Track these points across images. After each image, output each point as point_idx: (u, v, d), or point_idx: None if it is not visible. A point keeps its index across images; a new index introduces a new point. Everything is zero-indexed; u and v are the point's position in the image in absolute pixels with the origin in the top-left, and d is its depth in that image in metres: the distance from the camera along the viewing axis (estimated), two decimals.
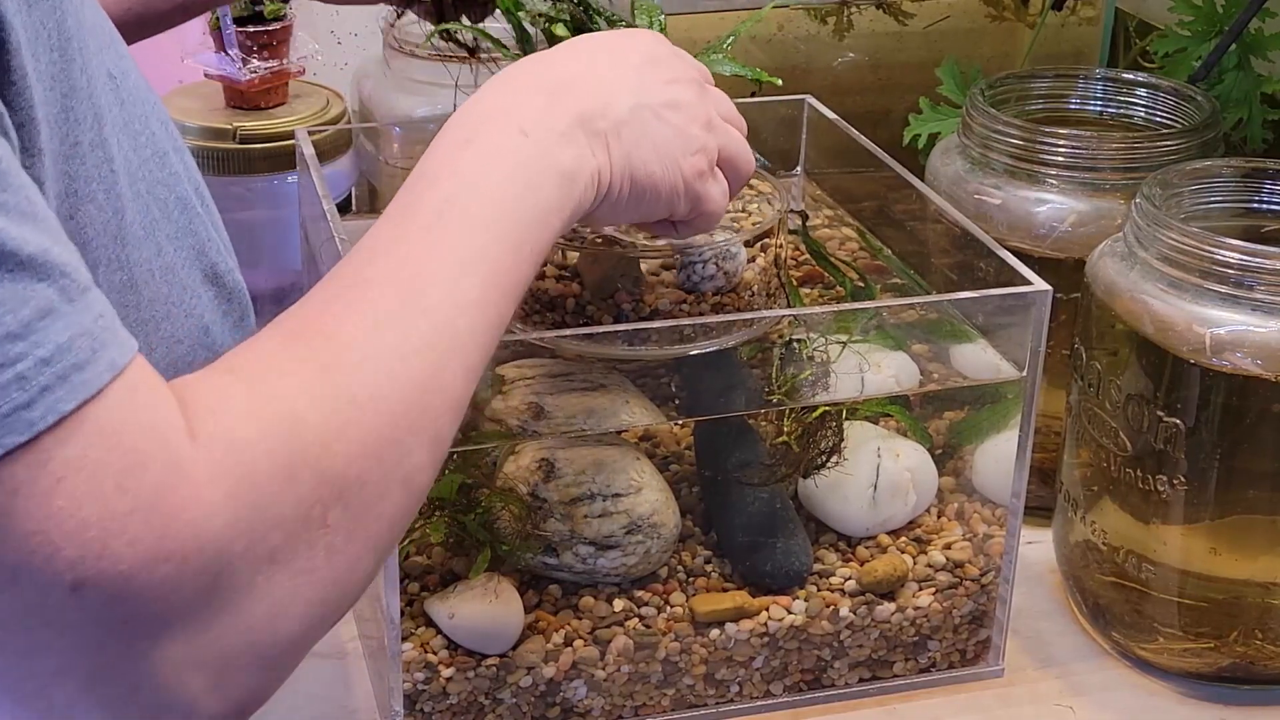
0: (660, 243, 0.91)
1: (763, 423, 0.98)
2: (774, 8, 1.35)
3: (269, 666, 0.58)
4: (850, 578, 0.98)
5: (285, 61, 1.32)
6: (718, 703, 0.97)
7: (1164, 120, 1.15)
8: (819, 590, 0.97)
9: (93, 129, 0.62)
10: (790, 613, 0.97)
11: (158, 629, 0.54)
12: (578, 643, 0.94)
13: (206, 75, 1.34)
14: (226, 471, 0.55)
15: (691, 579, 0.97)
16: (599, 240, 0.92)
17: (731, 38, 1.00)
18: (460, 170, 0.71)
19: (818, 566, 0.98)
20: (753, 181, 1.01)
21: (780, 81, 0.99)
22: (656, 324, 0.90)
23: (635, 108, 0.78)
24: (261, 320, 0.76)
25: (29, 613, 0.52)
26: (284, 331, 0.63)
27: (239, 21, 1.31)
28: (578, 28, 0.93)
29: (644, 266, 0.91)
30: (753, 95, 1.29)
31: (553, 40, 0.93)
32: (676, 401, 0.97)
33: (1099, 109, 1.18)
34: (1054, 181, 1.08)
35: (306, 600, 0.58)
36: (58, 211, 0.60)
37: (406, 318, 0.64)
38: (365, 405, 0.60)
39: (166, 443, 0.54)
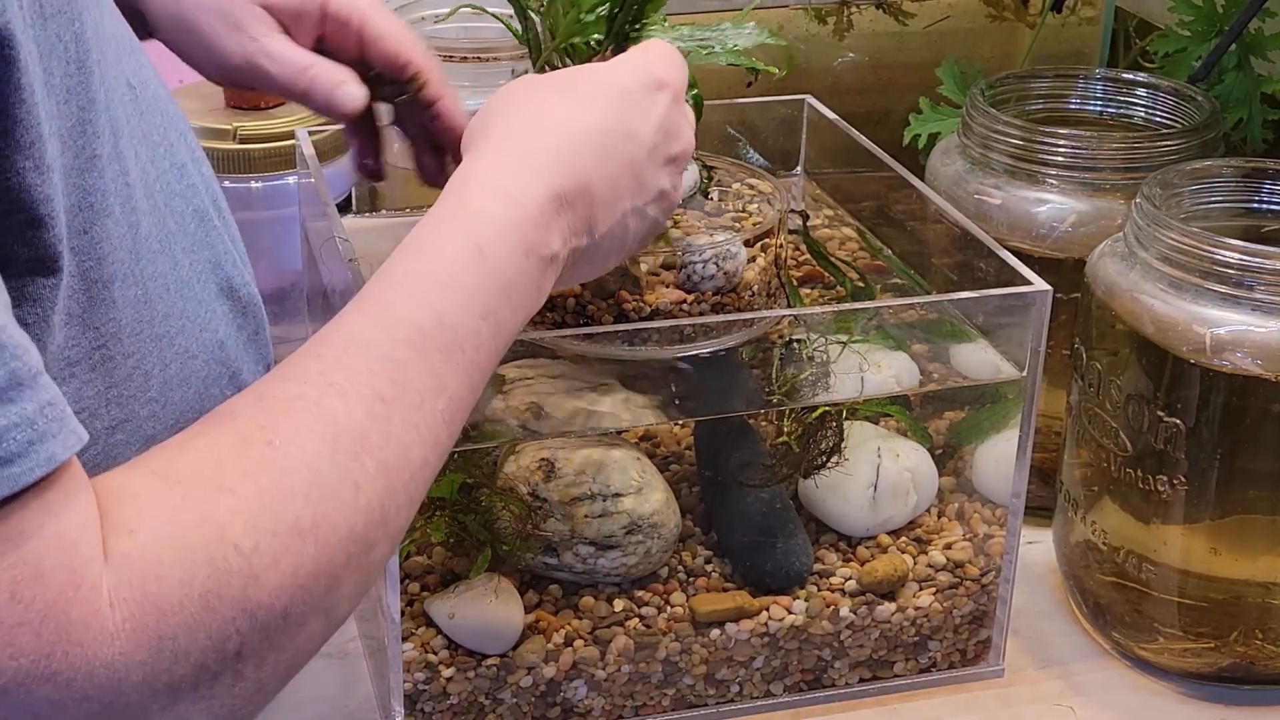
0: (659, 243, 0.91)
1: (763, 423, 0.98)
2: (774, 8, 1.35)
3: None
4: (850, 578, 0.98)
5: None
6: (718, 703, 0.97)
7: (1164, 120, 1.15)
8: (819, 590, 0.97)
9: (110, 141, 0.61)
10: (790, 613, 0.97)
11: None
12: (578, 643, 0.94)
13: None
14: (134, 596, 0.52)
15: (692, 579, 0.97)
16: None
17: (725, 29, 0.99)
18: (459, 285, 0.67)
19: (818, 566, 0.98)
20: (753, 181, 1.02)
21: (777, 71, 0.99)
22: (656, 324, 0.90)
23: (625, 215, 0.76)
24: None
25: None
26: (236, 434, 0.58)
27: None
28: None
29: (644, 266, 0.91)
30: (749, 85, 1.29)
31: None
32: (676, 401, 0.97)
33: (1099, 109, 1.18)
34: (1054, 181, 1.08)
35: None
36: (71, 226, 0.58)
37: (368, 441, 0.60)
38: (307, 534, 0.57)
39: (74, 556, 0.51)
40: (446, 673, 0.92)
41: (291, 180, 1.23)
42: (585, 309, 0.91)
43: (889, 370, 0.96)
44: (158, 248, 0.64)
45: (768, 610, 0.96)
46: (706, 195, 0.98)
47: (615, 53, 0.85)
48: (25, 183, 0.55)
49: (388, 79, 0.90)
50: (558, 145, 0.74)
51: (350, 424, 0.60)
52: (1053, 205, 1.08)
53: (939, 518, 1.02)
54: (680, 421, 1.00)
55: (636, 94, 0.78)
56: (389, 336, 0.63)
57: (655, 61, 0.80)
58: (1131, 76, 1.18)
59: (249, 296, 0.72)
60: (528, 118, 0.75)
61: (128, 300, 0.62)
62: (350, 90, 0.86)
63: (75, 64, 0.59)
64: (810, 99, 1.20)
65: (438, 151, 0.93)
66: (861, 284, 1.06)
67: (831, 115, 1.17)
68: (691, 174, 0.95)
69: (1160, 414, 0.95)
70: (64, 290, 0.59)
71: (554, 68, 0.88)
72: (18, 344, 0.51)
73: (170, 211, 0.67)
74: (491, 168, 0.72)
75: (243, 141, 1.25)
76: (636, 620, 0.95)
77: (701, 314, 0.92)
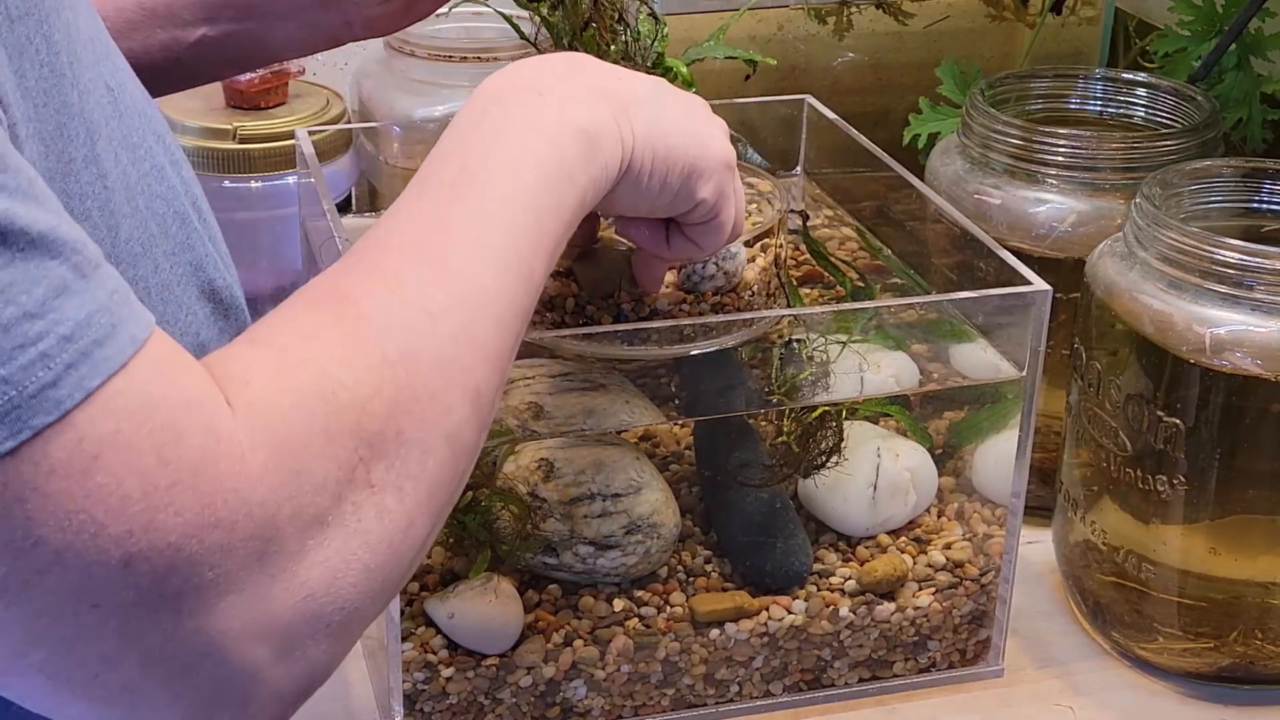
0: None
1: (763, 423, 0.98)
2: (774, 8, 1.35)
3: (334, 634, 0.58)
4: (850, 578, 0.98)
5: (285, 61, 1.32)
6: (717, 703, 0.97)
7: (1164, 120, 1.15)
8: (819, 590, 0.97)
9: (85, 145, 0.61)
10: (790, 613, 0.97)
11: (212, 599, 0.53)
12: (577, 643, 0.94)
13: None
14: (265, 438, 0.56)
15: (691, 579, 0.97)
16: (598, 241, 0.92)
17: (722, 30, 1.00)
18: (476, 137, 0.70)
19: (818, 566, 0.98)
20: (753, 181, 1.01)
21: (774, 62, 0.99)
22: (656, 324, 0.90)
23: (655, 91, 0.78)
24: None
25: (77, 596, 0.51)
26: (306, 299, 0.63)
27: None
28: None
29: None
30: (747, 79, 1.29)
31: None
32: (676, 401, 0.97)
33: (1099, 109, 1.18)
34: (1054, 181, 1.08)
35: (363, 563, 0.58)
36: None
37: (430, 278, 0.63)
38: (398, 363, 0.60)
39: (203, 413, 0.54)
40: (446, 672, 0.92)
41: (291, 180, 1.23)
42: (585, 309, 0.91)
43: (888, 370, 0.96)
44: (139, 251, 0.65)
45: (767, 610, 0.96)
46: None
47: None
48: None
49: None
50: (526, 68, 0.77)
51: (409, 271, 0.63)
52: (1052, 205, 1.08)
53: (939, 518, 1.02)
54: (680, 421, 1.00)
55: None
56: (427, 200, 0.67)
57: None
58: (1131, 76, 1.18)
59: (231, 298, 0.72)
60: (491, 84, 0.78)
61: None
62: None
63: (47, 67, 0.59)
64: (810, 99, 1.20)
65: None
66: (861, 284, 1.06)
67: (831, 115, 1.17)
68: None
69: (1160, 414, 0.95)
70: None
71: None
72: (75, 238, 0.53)
73: (151, 214, 0.67)
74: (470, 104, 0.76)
75: (243, 141, 1.25)
76: (636, 620, 0.95)
77: (701, 314, 0.92)
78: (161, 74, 0.75)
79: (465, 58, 1.34)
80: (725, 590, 0.96)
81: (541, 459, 0.93)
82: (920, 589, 0.99)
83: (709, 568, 0.97)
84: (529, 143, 0.70)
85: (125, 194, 0.64)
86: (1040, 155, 1.08)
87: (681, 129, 0.78)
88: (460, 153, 0.69)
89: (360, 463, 0.58)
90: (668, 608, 0.95)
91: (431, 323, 0.62)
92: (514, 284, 0.67)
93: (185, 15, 0.90)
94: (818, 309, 1.00)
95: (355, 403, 0.58)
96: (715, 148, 0.80)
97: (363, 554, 0.58)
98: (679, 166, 0.78)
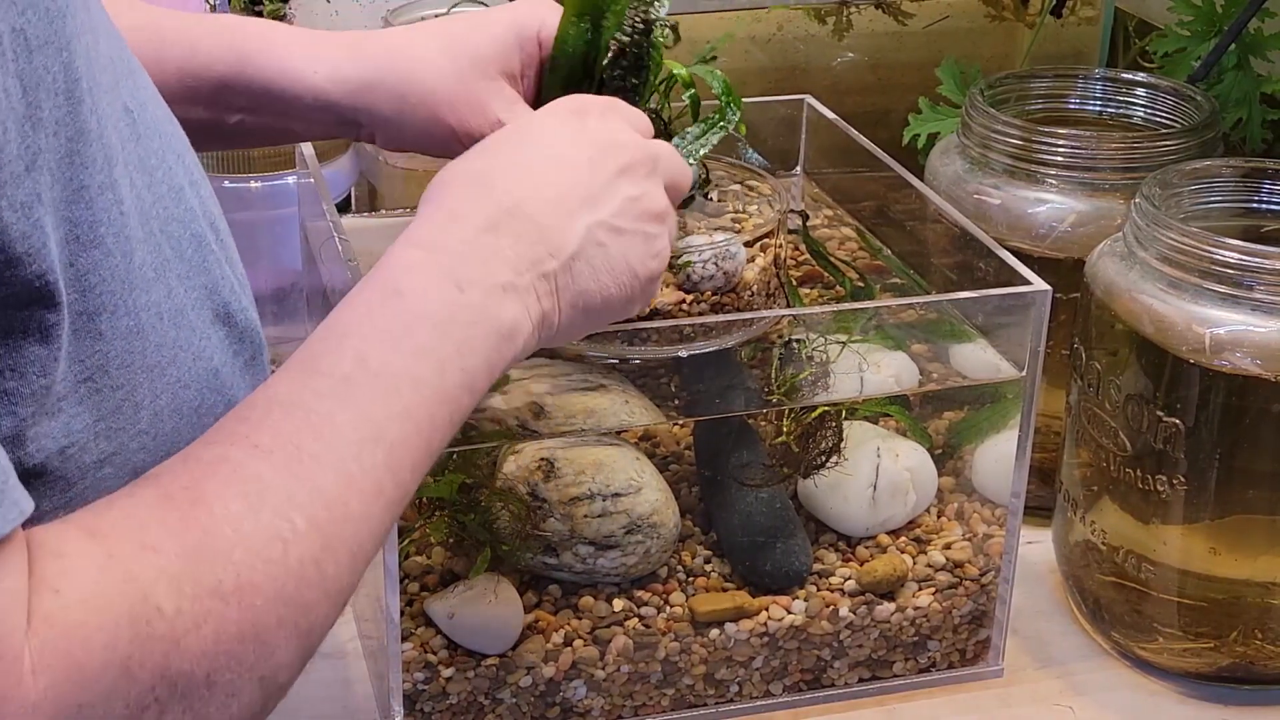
0: None
1: (762, 423, 0.98)
2: (774, 8, 1.35)
3: None
4: (850, 578, 0.98)
5: None
6: (717, 703, 0.97)
7: (1163, 120, 1.15)
8: (819, 590, 0.97)
9: (103, 171, 0.60)
10: (790, 613, 0.97)
11: None
12: (577, 643, 0.94)
13: None
14: (54, 661, 0.51)
15: (691, 579, 0.97)
16: None
17: (712, 45, 1.00)
18: (379, 328, 0.66)
19: (817, 566, 0.98)
20: (752, 182, 1.02)
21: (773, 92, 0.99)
22: (656, 324, 0.90)
23: (590, 228, 0.74)
24: (262, 323, 0.75)
25: None
26: (160, 493, 0.58)
27: None
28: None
29: None
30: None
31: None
32: (676, 401, 0.97)
33: (1098, 109, 1.18)
34: (1053, 181, 1.08)
35: None
36: (59, 258, 0.57)
37: (293, 496, 0.59)
38: (230, 597, 0.55)
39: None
40: (446, 673, 0.92)
41: (291, 180, 1.23)
42: None
43: (888, 370, 0.96)
44: (152, 276, 0.63)
45: (767, 610, 0.96)
46: (706, 195, 0.98)
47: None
48: (1, 222, 0.54)
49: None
50: (471, 182, 0.74)
51: (275, 482, 0.59)
52: (1052, 205, 1.08)
53: (938, 518, 1.02)
54: (680, 421, 1.00)
55: (548, 126, 0.78)
56: (312, 391, 0.62)
57: (567, 100, 0.80)
58: (1131, 76, 1.18)
59: (246, 322, 0.71)
60: (446, 178, 0.75)
61: (117, 332, 0.61)
62: None
63: (64, 95, 0.57)
64: (810, 99, 1.20)
65: None
66: (861, 284, 1.06)
67: (831, 115, 1.17)
68: (691, 174, 0.95)
69: (1160, 414, 0.95)
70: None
71: None
72: None
73: (167, 238, 0.66)
74: (413, 226, 0.72)
75: None
76: (636, 620, 0.95)
77: (701, 314, 0.92)
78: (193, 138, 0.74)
79: None
80: (725, 590, 0.96)
81: (541, 459, 0.93)
82: (920, 589, 0.99)
83: (709, 568, 0.97)
84: (433, 353, 0.66)
85: (140, 218, 0.63)
86: (1040, 155, 1.08)
87: (616, 274, 0.75)
88: (359, 339, 0.65)
89: (155, 702, 0.53)
90: (668, 608, 0.95)
91: (284, 554, 0.58)
92: (381, 510, 0.62)
93: (233, 101, 0.89)
94: (818, 309, 1.00)
95: (169, 636, 0.54)
96: (648, 270, 0.77)
97: None
98: (609, 312, 0.76)
